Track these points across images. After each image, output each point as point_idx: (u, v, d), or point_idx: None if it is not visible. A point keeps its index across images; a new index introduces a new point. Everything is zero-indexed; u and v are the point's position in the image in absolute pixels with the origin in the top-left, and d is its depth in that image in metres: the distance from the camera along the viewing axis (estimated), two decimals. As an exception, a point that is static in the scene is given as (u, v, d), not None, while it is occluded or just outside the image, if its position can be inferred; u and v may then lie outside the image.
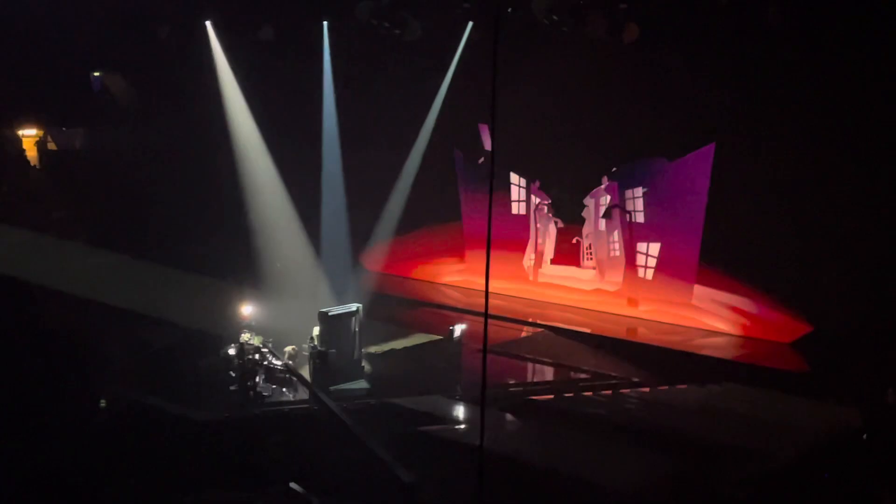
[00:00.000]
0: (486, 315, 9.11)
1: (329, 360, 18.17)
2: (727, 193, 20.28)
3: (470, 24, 22.34)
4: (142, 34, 23.46)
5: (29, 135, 26.19)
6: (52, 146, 26.67)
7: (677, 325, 21.49)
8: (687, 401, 17.81)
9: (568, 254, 23.72)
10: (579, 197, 23.13)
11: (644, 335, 21.13)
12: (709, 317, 21.29)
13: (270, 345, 18.26)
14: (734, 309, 21.00)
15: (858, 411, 16.07)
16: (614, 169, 22.38)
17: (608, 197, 22.66)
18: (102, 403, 17.34)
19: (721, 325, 21.02)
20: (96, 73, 26.03)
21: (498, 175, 23.05)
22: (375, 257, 25.65)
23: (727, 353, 19.94)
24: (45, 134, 26.46)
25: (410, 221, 24.78)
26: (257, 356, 18.08)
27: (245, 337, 18.17)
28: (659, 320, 21.82)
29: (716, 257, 20.83)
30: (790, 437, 15.33)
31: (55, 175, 25.80)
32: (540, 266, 24.08)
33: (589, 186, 22.78)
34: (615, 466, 14.36)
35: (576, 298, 23.20)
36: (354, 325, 18.83)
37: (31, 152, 26.21)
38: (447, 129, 23.67)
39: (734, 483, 13.69)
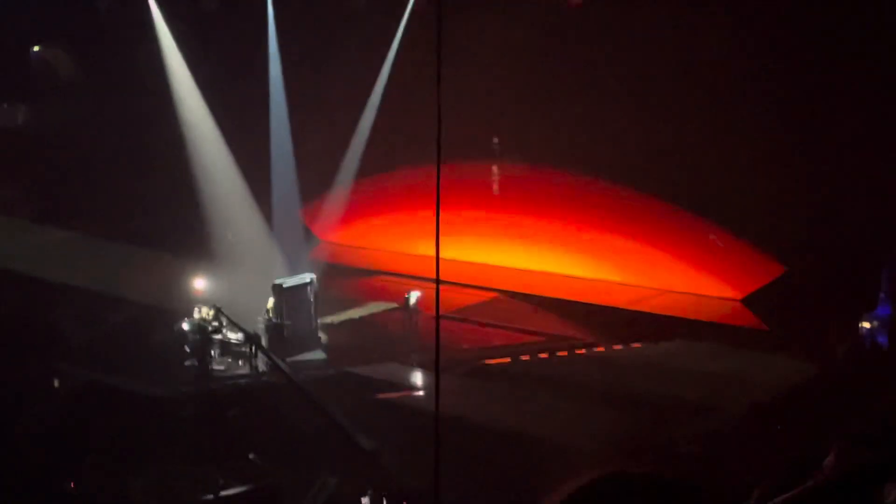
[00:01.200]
0: (437, 281, 9.09)
1: (285, 332, 18.12)
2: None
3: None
4: (81, 6, 23.05)
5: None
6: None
7: (630, 284, 21.66)
8: (641, 359, 18.02)
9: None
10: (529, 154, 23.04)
11: (597, 296, 21.25)
12: (661, 272, 21.48)
13: (224, 317, 18.10)
14: (695, 257, 21.20)
15: (811, 365, 16.37)
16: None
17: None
18: (56, 383, 17.18)
19: (676, 280, 21.21)
20: (36, 48, 25.55)
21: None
22: (328, 227, 25.55)
23: (680, 311, 20.15)
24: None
25: (361, 190, 24.69)
26: (211, 329, 17.99)
27: (204, 311, 18.07)
28: (612, 279, 21.98)
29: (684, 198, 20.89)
30: (743, 392, 15.55)
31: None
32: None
33: (538, 150, 22.74)
34: (572, 427, 14.51)
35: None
36: (309, 295, 18.78)
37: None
38: (396, 97, 23.53)
39: (689, 439, 13.89)
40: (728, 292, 20.41)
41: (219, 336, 18.06)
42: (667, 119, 20.25)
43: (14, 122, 26.45)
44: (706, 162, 19.76)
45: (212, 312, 18.13)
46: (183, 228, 22.16)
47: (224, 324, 18.00)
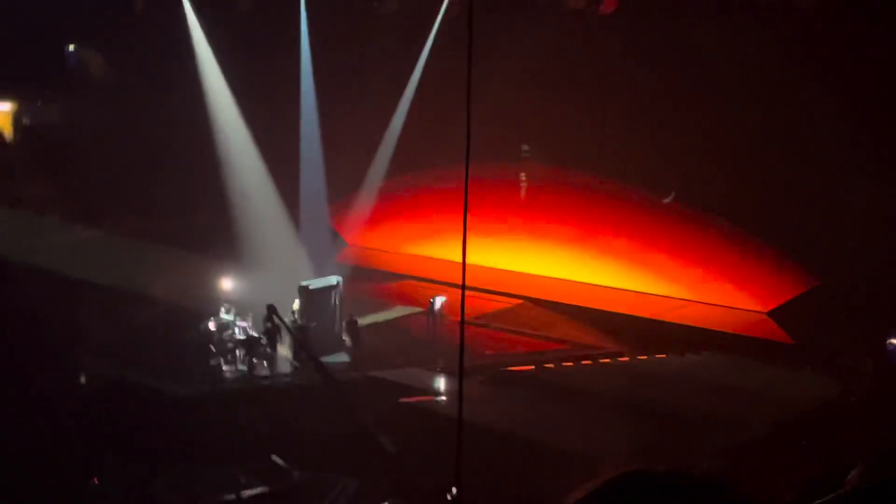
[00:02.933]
0: (462, 287, 9.08)
1: (310, 333, 18.17)
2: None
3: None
4: (117, 7, 23.22)
5: (2, 110, 25.91)
6: (26, 121, 26.38)
7: (656, 294, 21.53)
8: (666, 370, 17.91)
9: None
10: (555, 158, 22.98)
11: (623, 305, 21.14)
12: (689, 282, 21.33)
13: (277, 316, 18.12)
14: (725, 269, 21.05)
15: (838, 380, 16.24)
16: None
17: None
18: (82, 380, 17.29)
19: (703, 291, 21.07)
20: (71, 48, 25.76)
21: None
22: (355, 229, 25.61)
23: (707, 322, 20.00)
24: (18, 108, 26.17)
25: (389, 193, 24.72)
26: (237, 330, 18.09)
27: (227, 310, 18.18)
28: (638, 289, 21.86)
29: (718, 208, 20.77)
30: (767, 406, 15.42)
31: (29, 150, 25.56)
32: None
33: (568, 155, 22.64)
34: (594, 436, 14.43)
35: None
36: (335, 298, 18.82)
37: (4, 127, 25.95)
38: (426, 99, 23.54)
39: (712, 452, 13.78)
40: (755, 305, 20.25)
41: (247, 335, 18.13)
42: (700, 127, 20.15)
43: (46, 120, 26.65)
44: (740, 171, 19.65)
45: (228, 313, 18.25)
46: (211, 228, 22.29)
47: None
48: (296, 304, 18.47)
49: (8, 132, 26.12)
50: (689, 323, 19.99)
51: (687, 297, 21.25)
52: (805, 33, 18.27)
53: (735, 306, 20.54)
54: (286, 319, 18.34)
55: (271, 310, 17.77)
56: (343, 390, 16.22)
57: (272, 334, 17.84)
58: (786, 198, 19.13)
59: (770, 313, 19.92)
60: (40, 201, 23.61)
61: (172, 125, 23.32)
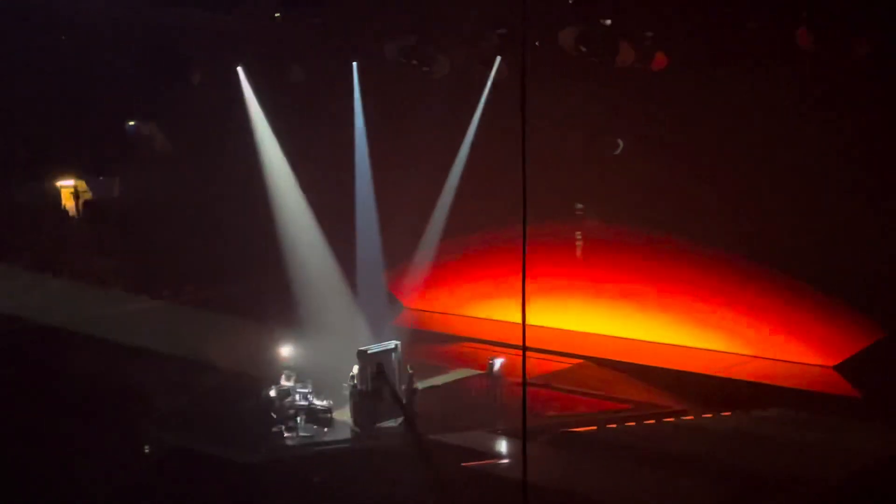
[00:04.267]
0: (524, 348, 9.03)
1: (370, 398, 18.13)
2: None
3: (498, 58, 22.36)
4: (175, 82, 23.75)
5: (66, 185, 26.55)
6: (88, 195, 26.99)
7: (720, 350, 21.24)
8: (732, 428, 17.60)
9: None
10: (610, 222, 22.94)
11: (686, 362, 20.86)
12: (752, 338, 21.02)
13: (310, 384, 18.23)
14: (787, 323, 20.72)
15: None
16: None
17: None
18: (147, 449, 17.45)
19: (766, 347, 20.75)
20: (131, 122, 26.36)
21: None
22: (412, 292, 25.68)
23: (772, 378, 19.64)
24: (81, 184, 26.80)
25: (445, 255, 24.80)
26: (297, 397, 18.13)
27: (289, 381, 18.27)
28: (701, 346, 21.58)
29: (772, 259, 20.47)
30: (838, 463, 15.09)
31: (93, 224, 26.11)
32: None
33: (622, 211, 22.56)
34: (661, 496, 14.19)
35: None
36: (394, 362, 18.78)
37: (69, 202, 26.56)
38: (479, 164, 23.68)
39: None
40: (822, 359, 19.87)
41: (305, 402, 18.16)
42: (756, 180, 20.01)
43: (108, 194, 27.25)
44: (800, 223, 19.41)
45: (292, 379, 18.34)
46: (269, 295, 22.49)
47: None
48: (354, 370, 18.45)
49: (71, 206, 26.72)
50: (754, 379, 19.64)
51: (751, 353, 20.92)
52: (863, 81, 18.10)
53: (801, 361, 20.17)
54: (345, 384, 18.36)
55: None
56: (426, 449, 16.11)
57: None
58: (850, 250, 18.77)
59: (837, 367, 19.54)
60: (103, 273, 24.06)
61: (228, 194, 23.72)
